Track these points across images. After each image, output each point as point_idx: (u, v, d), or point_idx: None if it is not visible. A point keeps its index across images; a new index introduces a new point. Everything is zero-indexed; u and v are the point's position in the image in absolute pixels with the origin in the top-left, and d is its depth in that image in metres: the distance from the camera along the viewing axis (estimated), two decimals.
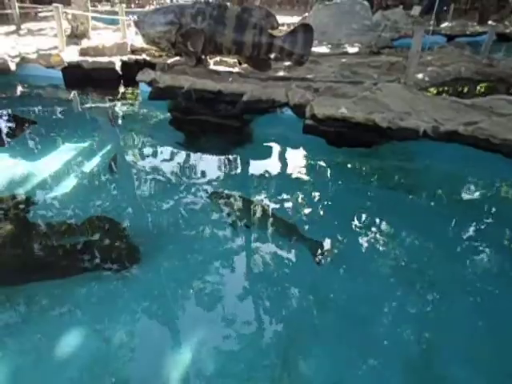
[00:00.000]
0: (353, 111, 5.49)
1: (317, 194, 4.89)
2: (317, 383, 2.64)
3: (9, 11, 13.42)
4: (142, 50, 9.79)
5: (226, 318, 3.11)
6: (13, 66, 8.34)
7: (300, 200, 4.75)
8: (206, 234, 4.07)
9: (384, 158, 5.55)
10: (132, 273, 3.51)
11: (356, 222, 4.30)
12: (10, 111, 7.32)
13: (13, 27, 13.50)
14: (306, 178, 5.28)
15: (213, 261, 3.70)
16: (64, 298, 3.23)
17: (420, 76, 7.31)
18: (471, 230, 4.24)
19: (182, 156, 5.82)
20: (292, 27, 8.92)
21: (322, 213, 4.51)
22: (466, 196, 4.98)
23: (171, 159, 5.73)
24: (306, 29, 7.53)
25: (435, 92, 7.53)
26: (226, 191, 4.77)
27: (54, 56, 8.49)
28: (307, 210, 4.52)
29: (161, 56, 9.16)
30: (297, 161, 5.82)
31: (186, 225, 4.15)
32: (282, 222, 4.21)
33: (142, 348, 2.88)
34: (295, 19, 16.70)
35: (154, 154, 5.95)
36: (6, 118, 7.02)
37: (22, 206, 4.40)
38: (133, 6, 22.35)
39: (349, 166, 5.47)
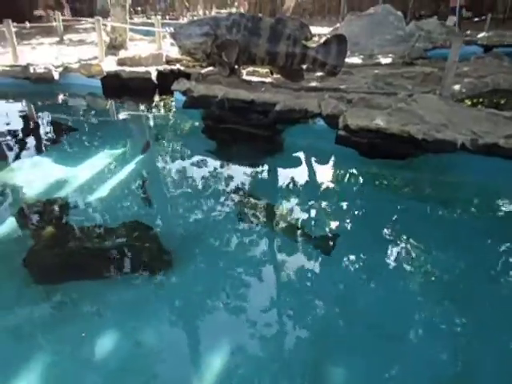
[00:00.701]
0: (387, 122, 5.42)
1: (347, 206, 4.84)
2: None
3: (54, 24, 14.15)
4: (177, 61, 10.08)
5: (253, 325, 3.11)
6: (56, 76, 8.77)
7: (330, 211, 4.72)
8: (234, 241, 4.10)
9: (418, 171, 5.43)
10: (163, 278, 3.58)
11: (387, 235, 4.22)
12: (52, 118, 7.68)
13: (56, 38, 14.22)
14: (336, 188, 5.25)
15: (240, 268, 3.72)
16: (98, 299, 3.32)
17: (457, 87, 7.14)
18: (506, 247, 4.07)
19: (212, 164, 5.91)
20: (325, 38, 8.94)
21: (352, 224, 4.45)
22: (503, 212, 4.80)
23: (202, 167, 5.82)
24: (339, 39, 7.53)
25: (472, 104, 7.34)
26: (255, 200, 4.80)
27: (94, 66, 8.87)
28: (337, 221, 4.48)
29: (194, 66, 9.39)
30: (327, 171, 5.79)
31: (216, 232, 4.19)
32: (308, 232, 4.20)
33: (171, 352, 2.92)
34: (326, 30, 16.73)
35: (186, 162, 6.07)
36: (48, 124, 7.38)
37: (60, 210, 4.59)
38: (167, 17, 23.10)
39: (381, 177, 5.39)
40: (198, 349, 3.00)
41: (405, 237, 4.18)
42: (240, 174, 5.62)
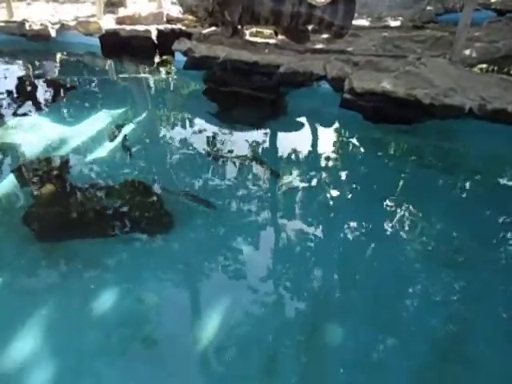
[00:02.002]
0: (394, 86, 5.27)
1: (349, 170, 4.78)
2: (342, 356, 2.64)
3: None
4: (178, 20, 9.69)
5: (252, 287, 3.14)
6: (53, 33, 8.46)
7: (332, 175, 4.67)
8: (233, 205, 4.08)
9: (423, 136, 5.33)
10: (163, 237, 3.59)
11: (389, 200, 4.19)
12: (50, 77, 7.48)
13: None
14: (339, 153, 5.17)
15: (240, 231, 3.72)
16: (99, 257, 3.34)
17: (467, 52, 6.89)
18: (508, 214, 4.04)
19: (214, 127, 5.79)
20: None
21: (354, 189, 4.41)
22: (507, 180, 4.74)
23: (204, 130, 5.71)
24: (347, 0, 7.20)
25: (483, 69, 7.11)
26: (257, 164, 4.73)
27: (92, 23, 8.54)
28: (339, 186, 4.44)
29: (196, 26, 9.04)
30: (331, 135, 5.69)
31: (216, 195, 4.15)
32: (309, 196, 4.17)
33: (170, 309, 2.96)
34: None
35: (187, 124, 5.96)
36: (46, 83, 7.19)
37: (60, 168, 4.55)
38: None
39: (385, 142, 5.30)
40: (195, 306, 3.05)
41: (406, 203, 4.15)
42: (242, 137, 5.52)
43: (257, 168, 4.67)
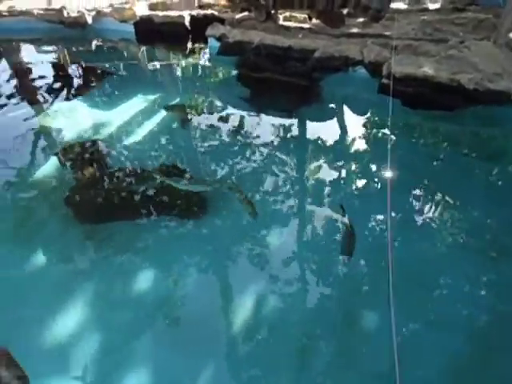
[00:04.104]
0: (436, 70, 5.07)
1: (386, 158, 4.65)
2: (377, 341, 2.60)
3: None
4: (209, 6, 9.67)
5: (282, 272, 3.13)
6: (89, 20, 8.62)
7: (368, 163, 4.56)
8: (266, 192, 4.06)
9: (465, 123, 5.12)
10: (197, 221, 3.63)
11: (427, 188, 4.07)
12: (87, 63, 7.64)
13: None
14: (376, 139, 5.04)
15: (271, 217, 3.69)
16: (135, 238, 3.41)
17: None
18: None
19: (247, 113, 5.78)
20: None
21: (390, 176, 4.29)
22: None
23: (236, 115, 5.70)
24: None
25: None
26: (289, 151, 4.68)
27: (127, 10, 8.64)
28: (376, 174, 4.34)
29: (226, 12, 8.98)
30: (367, 121, 5.55)
31: (246, 181, 4.15)
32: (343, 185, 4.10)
33: (201, 291, 3.00)
34: None
35: (220, 110, 5.95)
36: (84, 69, 7.35)
37: (99, 152, 4.65)
38: None
39: (425, 128, 5.13)
40: (226, 290, 3.06)
41: (445, 191, 4.01)
42: (274, 123, 5.48)
43: (288, 156, 4.62)
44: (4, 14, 8.50)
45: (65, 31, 8.52)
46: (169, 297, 2.90)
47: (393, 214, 3.75)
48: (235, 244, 3.40)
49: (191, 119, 5.62)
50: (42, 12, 8.67)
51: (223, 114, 5.78)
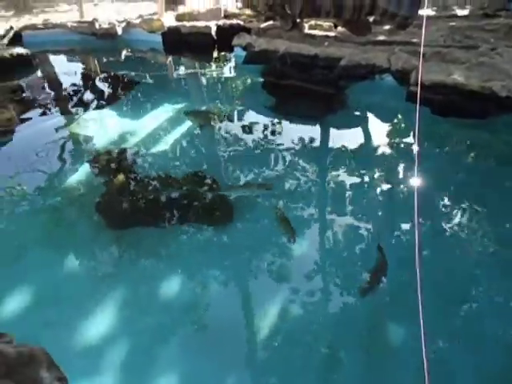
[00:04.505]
0: (466, 78, 4.96)
1: (416, 167, 4.56)
2: (406, 357, 2.53)
3: None
4: (235, 15, 9.81)
5: (309, 280, 3.11)
6: (120, 31, 8.90)
7: (396, 173, 4.49)
8: (291, 200, 4.04)
9: (498, 132, 4.98)
10: (224, 228, 3.65)
11: (457, 198, 3.96)
12: (117, 72, 7.88)
13: None
14: (404, 149, 4.96)
15: (299, 224, 3.66)
16: (162, 244, 3.47)
17: None
18: None
19: (272, 121, 5.80)
20: None
21: (420, 187, 4.20)
22: None
23: (262, 123, 5.73)
24: None
25: None
26: (314, 159, 4.68)
27: (155, 21, 8.88)
28: (404, 183, 4.26)
29: (251, 21, 9.08)
30: (394, 129, 5.49)
31: (276, 189, 4.14)
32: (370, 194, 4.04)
33: (227, 298, 3.01)
34: None
35: (246, 118, 6.00)
36: (114, 78, 7.58)
37: (129, 159, 4.77)
38: None
39: (455, 137, 5.01)
40: (251, 295, 3.07)
41: (476, 202, 3.89)
42: (299, 131, 5.48)
43: (313, 164, 4.60)
44: (40, 26, 8.89)
45: (96, 42, 8.83)
46: (195, 303, 2.93)
47: (421, 222, 3.67)
48: (261, 252, 3.41)
49: (217, 126, 5.68)
50: (75, 24, 9.01)
51: (248, 121, 5.83)
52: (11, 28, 8.32)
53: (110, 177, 4.40)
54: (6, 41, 7.81)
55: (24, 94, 6.69)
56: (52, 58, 8.85)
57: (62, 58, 8.97)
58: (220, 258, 3.36)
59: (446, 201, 3.97)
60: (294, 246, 3.41)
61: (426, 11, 9.09)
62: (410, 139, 5.21)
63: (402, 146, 5.06)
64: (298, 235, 3.52)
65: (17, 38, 8.27)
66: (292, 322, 2.76)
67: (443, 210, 3.88)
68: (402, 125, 5.61)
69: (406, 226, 3.62)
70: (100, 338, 2.66)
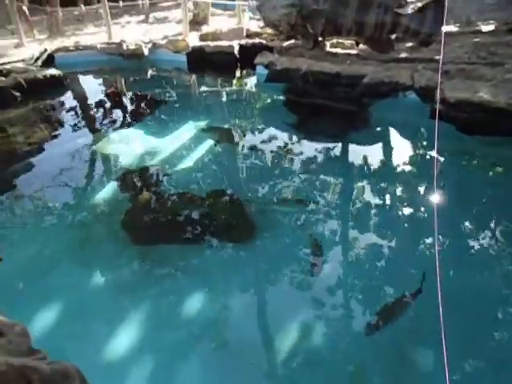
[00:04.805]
0: (493, 95, 4.89)
1: (440, 186, 4.49)
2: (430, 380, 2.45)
3: (140, 2, 14.80)
4: (256, 35, 10.00)
5: (333, 304, 3.07)
6: (146, 51, 9.21)
7: (421, 191, 4.42)
8: (313, 219, 4.03)
9: None
10: (245, 246, 3.68)
11: (481, 215, 3.86)
12: (143, 91, 8.13)
13: (142, 17, 14.88)
14: (429, 166, 4.88)
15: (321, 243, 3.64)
16: (186, 261, 3.52)
17: None
18: None
19: (294, 138, 5.85)
20: (420, 4, 8.22)
21: (445, 206, 4.12)
22: None
23: (282, 140, 5.78)
24: (437, 5, 6.87)
25: None
26: (336, 177, 4.66)
27: (180, 41, 9.15)
28: (427, 202, 4.19)
29: (273, 40, 9.23)
30: (419, 147, 5.42)
31: (295, 208, 4.15)
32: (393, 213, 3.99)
33: (248, 316, 3.01)
34: None
35: (268, 135, 6.04)
36: (140, 97, 7.82)
37: (153, 177, 4.88)
38: None
39: (482, 155, 4.92)
40: (273, 317, 3.03)
41: (501, 219, 3.79)
42: (321, 149, 5.48)
43: (335, 182, 4.59)
44: (71, 48, 9.30)
45: (123, 62, 9.16)
46: (216, 320, 2.95)
47: (441, 240, 3.60)
48: (283, 270, 3.40)
49: (239, 144, 5.76)
50: (104, 46, 9.39)
51: (270, 138, 5.88)
52: (45, 50, 8.75)
53: (135, 194, 4.50)
54: (40, 62, 8.20)
55: (55, 113, 6.99)
56: (82, 78, 9.24)
57: (91, 77, 9.34)
58: (241, 276, 3.38)
59: (470, 219, 3.88)
60: (317, 266, 3.39)
61: (447, 27, 9.05)
62: (434, 155, 5.13)
63: (426, 163, 4.99)
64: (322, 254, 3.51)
65: (50, 60, 8.67)
66: (314, 343, 2.73)
67: (467, 228, 3.80)
68: (425, 142, 5.54)
69: (428, 245, 3.55)
70: (124, 353, 2.70)
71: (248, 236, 3.77)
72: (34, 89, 7.28)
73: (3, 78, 7.11)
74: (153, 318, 2.99)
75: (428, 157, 5.16)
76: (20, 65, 7.84)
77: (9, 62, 7.90)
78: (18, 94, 7.05)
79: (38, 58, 8.29)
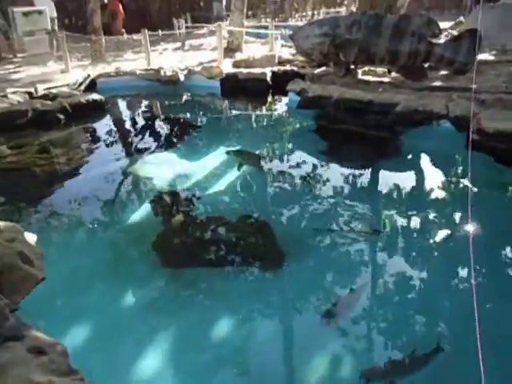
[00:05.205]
0: None
1: (476, 218, 4.33)
2: None
3: (177, 31, 15.47)
4: (289, 62, 10.20)
5: (362, 332, 3.02)
6: (182, 77, 9.57)
7: (454, 223, 4.28)
8: (346, 246, 3.99)
9: None
10: (275, 272, 3.68)
11: None
12: (178, 116, 8.43)
13: (178, 44, 15.51)
14: (464, 198, 4.74)
15: (350, 271, 3.63)
16: (215, 285, 3.54)
17: None
18: None
19: (325, 165, 5.86)
20: (455, 33, 8.21)
21: (481, 239, 3.97)
22: None
23: (312, 166, 5.81)
24: (472, 35, 6.83)
25: None
26: (368, 205, 4.62)
27: (214, 68, 9.46)
28: (460, 230, 4.08)
29: (303, 67, 9.38)
30: (454, 178, 5.29)
31: (328, 235, 4.12)
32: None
33: (275, 343, 2.99)
34: (447, 24, 15.28)
35: (299, 161, 6.08)
36: (176, 122, 8.10)
37: (186, 201, 4.99)
38: (276, 19, 23.50)
39: None
40: (300, 344, 3.00)
41: None
42: (352, 176, 5.46)
43: (367, 210, 4.54)
44: (112, 74, 9.80)
45: (160, 88, 9.54)
46: (240, 346, 2.95)
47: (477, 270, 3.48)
48: (313, 297, 3.38)
49: (270, 169, 5.82)
50: (143, 72, 9.83)
51: (301, 165, 5.92)
52: (88, 76, 9.26)
53: (167, 217, 4.61)
54: (83, 87, 8.68)
55: (96, 136, 7.34)
56: (121, 102, 9.68)
57: (130, 102, 9.77)
58: (271, 302, 3.38)
59: (507, 253, 3.74)
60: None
61: (482, 56, 8.93)
62: (470, 186, 5.00)
63: (460, 193, 4.85)
64: (348, 282, 3.46)
65: (92, 85, 9.16)
66: (339, 376, 2.68)
67: (503, 261, 3.71)
68: (460, 172, 5.41)
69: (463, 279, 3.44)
70: (149, 375, 2.73)
71: (277, 263, 3.77)
72: (77, 112, 7.68)
73: (50, 102, 7.55)
74: (178, 341, 3.02)
75: (462, 186, 5.03)
76: (65, 89, 8.31)
77: (55, 87, 8.39)
78: (62, 117, 7.44)
79: (81, 83, 8.77)
